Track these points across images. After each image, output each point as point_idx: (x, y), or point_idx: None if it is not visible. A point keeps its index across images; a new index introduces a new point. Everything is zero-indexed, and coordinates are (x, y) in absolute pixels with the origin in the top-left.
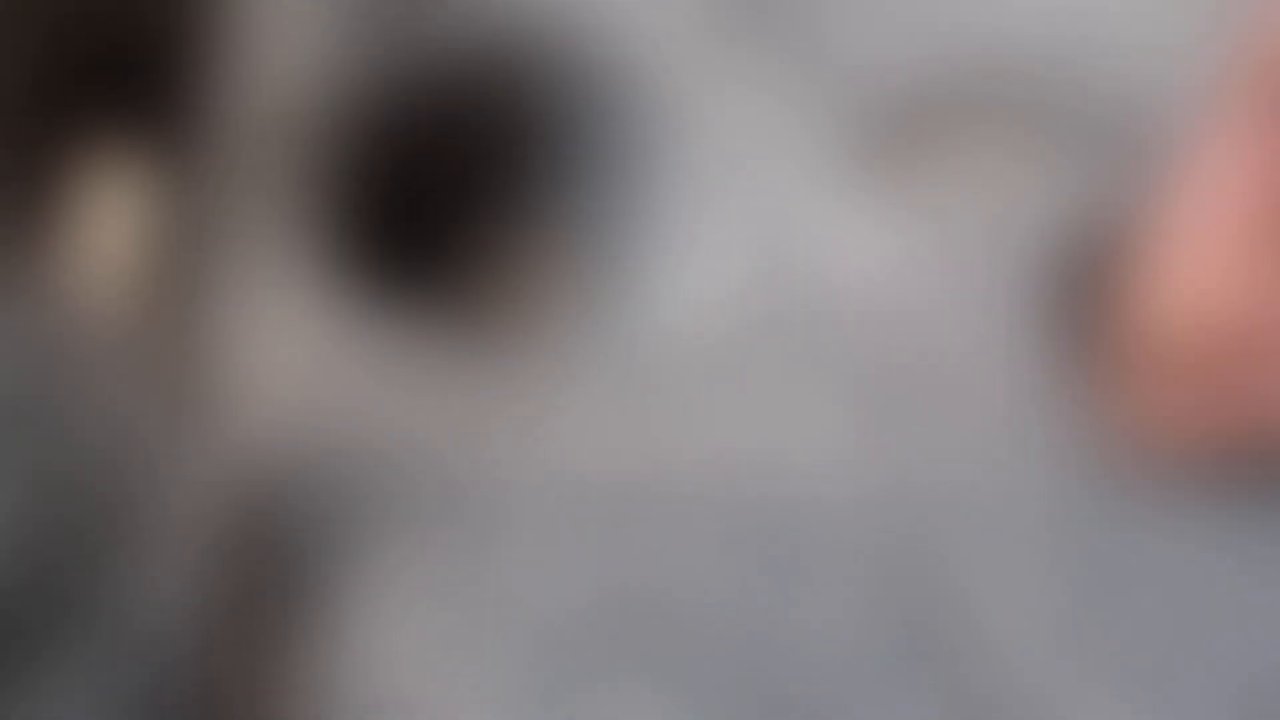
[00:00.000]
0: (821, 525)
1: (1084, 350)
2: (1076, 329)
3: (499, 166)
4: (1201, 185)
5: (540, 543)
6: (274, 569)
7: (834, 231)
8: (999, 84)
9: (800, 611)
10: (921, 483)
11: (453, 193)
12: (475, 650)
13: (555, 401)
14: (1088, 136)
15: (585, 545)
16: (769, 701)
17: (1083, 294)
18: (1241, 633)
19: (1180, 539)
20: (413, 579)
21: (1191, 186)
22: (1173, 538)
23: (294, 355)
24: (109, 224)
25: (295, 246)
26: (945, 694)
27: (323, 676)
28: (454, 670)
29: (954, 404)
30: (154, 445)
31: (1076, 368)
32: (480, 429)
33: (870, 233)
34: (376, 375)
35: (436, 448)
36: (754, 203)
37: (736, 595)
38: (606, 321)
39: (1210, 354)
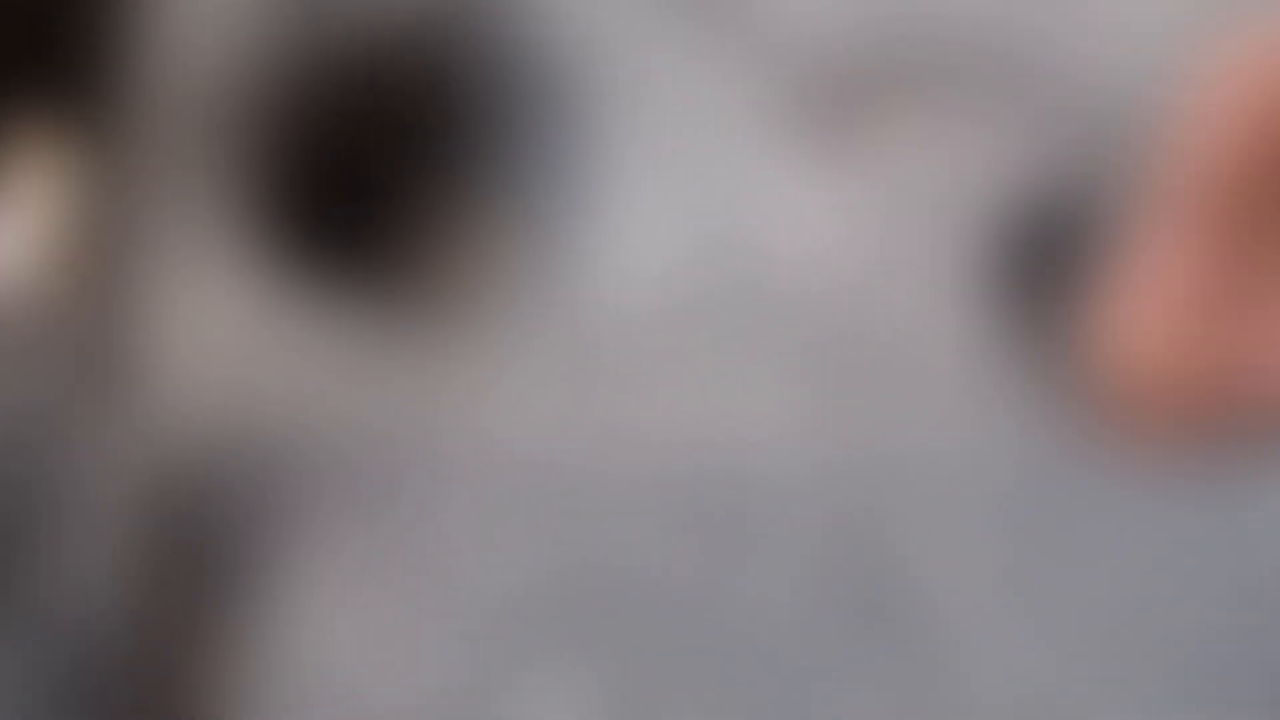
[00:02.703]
0: (768, 499)
1: (1030, 321)
2: (1021, 298)
3: (435, 140)
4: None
5: (481, 521)
6: (205, 549)
7: (776, 202)
8: (937, 53)
9: (747, 585)
10: (868, 454)
11: (388, 167)
12: (414, 630)
13: (495, 378)
14: (1026, 103)
15: (527, 523)
16: (717, 674)
17: (1027, 263)
18: (1183, 599)
19: (1124, 508)
20: (351, 558)
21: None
22: (1117, 507)
23: (226, 334)
24: (31, 205)
25: (226, 225)
26: (894, 664)
27: (255, 658)
28: (391, 650)
29: (899, 374)
30: (81, 425)
31: (1022, 337)
32: (419, 406)
33: (812, 203)
34: (312, 353)
35: (375, 426)
36: (695, 175)
37: (682, 570)
38: (547, 296)
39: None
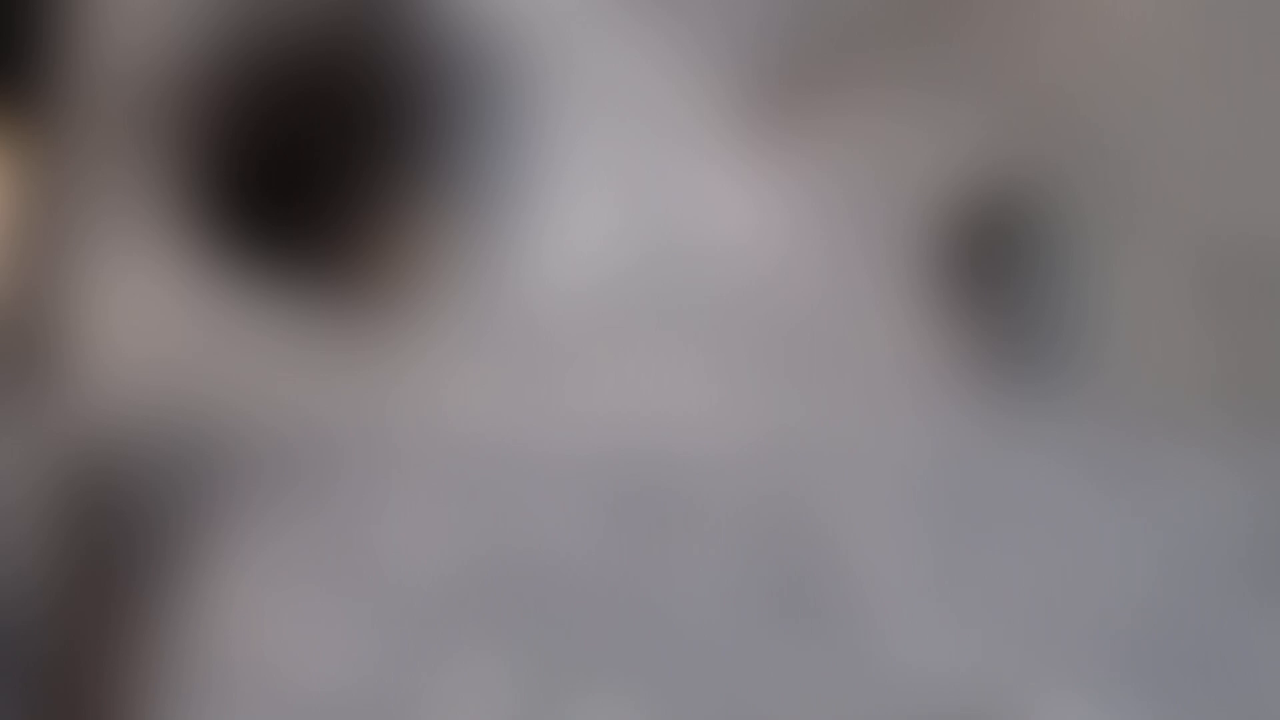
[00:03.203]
0: (697, 479)
1: (957, 303)
2: (950, 281)
3: (373, 126)
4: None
5: (411, 504)
6: (133, 536)
7: (712, 188)
8: (878, 44)
9: (675, 566)
10: (796, 435)
11: (326, 154)
12: (341, 615)
13: (430, 362)
14: (963, 95)
15: (457, 505)
16: (644, 657)
17: (957, 248)
18: (1108, 575)
19: (1048, 487)
20: (281, 544)
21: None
22: (1042, 486)
23: (161, 322)
24: None
25: (161, 213)
26: (821, 644)
27: (181, 645)
28: (321, 635)
29: (829, 360)
30: (9, 412)
31: (949, 318)
32: (354, 391)
33: (748, 188)
34: (248, 340)
35: (309, 411)
36: (633, 160)
37: (610, 552)
38: (482, 281)
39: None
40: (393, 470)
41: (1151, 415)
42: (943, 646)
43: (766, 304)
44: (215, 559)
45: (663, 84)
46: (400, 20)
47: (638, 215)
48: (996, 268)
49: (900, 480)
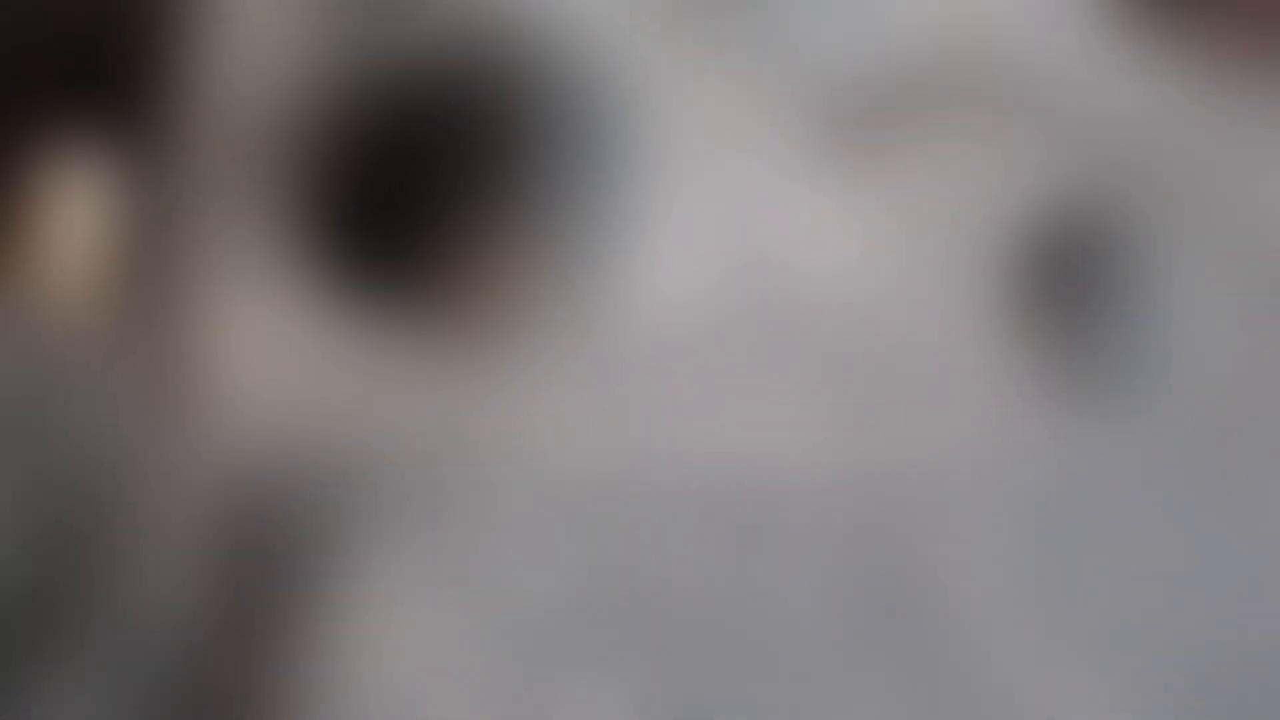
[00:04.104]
0: (795, 513)
1: (1050, 334)
2: (1041, 313)
3: (474, 164)
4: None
5: (522, 535)
6: (264, 567)
7: (803, 222)
8: (959, 75)
9: (775, 598)
10: (893, 469)
11: (428, 190)
12: (462, 641)
13: (533, 395)
14: (1045, 123)
15: (565, 537)
16: (745, 686)
17: (1047, 278)
18: (1212, 608)
19: (1148, 520)
20: (400, 573)
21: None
22: (1142, 520)
23: (277, 355)
24: (86, 228)
25: (275, 247)
26: (919, 675)
27: (316, 671)
28: (442, 661)
29: (923, 390)
30: (142, 447)
31: (1042, 350)
32: (462, 424)
33: (839, 223)
34: (358, 373)
35: (420, 443)
36: (724, 196)
37: (713, 584)
38: (582, 316)
39: None
40: (500, 501)
41: (1240, 438)
42: (1040, 680)
43: (858, 333)
44: (343, 587)
45: (749, 114)
46: (505, 57)
47: (733, 248)
48: (1078, 291)
49: (998, 510)
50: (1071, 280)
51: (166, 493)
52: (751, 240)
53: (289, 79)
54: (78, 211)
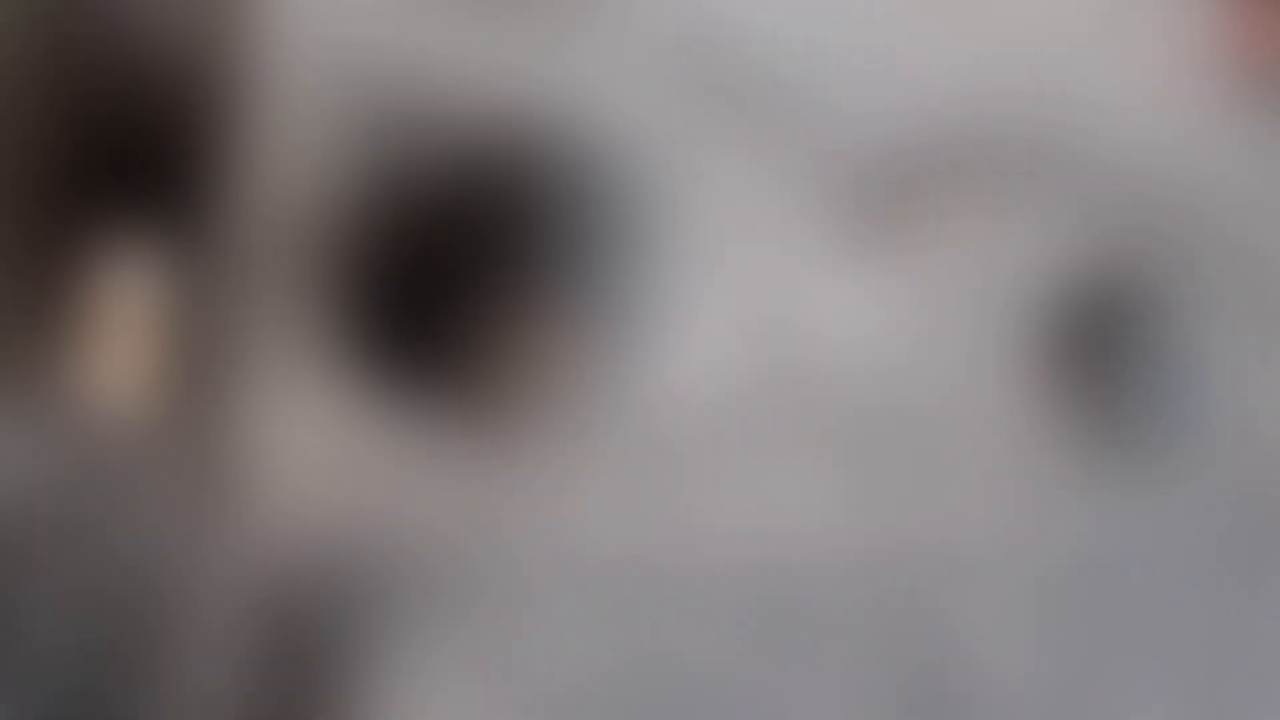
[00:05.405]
0: (823, 587)
1: (1074, 404)
2: (1065, 382)
3: (504, 254)
4: None
5: (555, 620)
6: (303, 663)
7: (827, 299)
8: (979, 151)
9: (806, 671)
10: (919, 540)
11: (461, 283)
12: None
13: (565, 481)
14: (1069, 194)
15: (598, 622)
16: None
17: (1071, 349)
18: (1237, 667)
19: (1177, 587)
20: (437, 665)
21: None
22: (1170, 586)
23: (314, 448)
24: (127, 324)
25: (313, 343)
26: None
27: None
28: None
29: (951, 464)
30: (180, 542)
31: (1066, 419)
32: (494, 511)
33: (862, 298)
34: (394, 464)
35: (454, 532)
36: (751, 278)
37: (745, 661)
38: (612, 401)
39: None
40: (532, 589)
41: (1268, 498)
42: None
43: (884, 410)
44: (381, 678)
45: (774, 195)
46: (527, 149)
47: (758, 326)
48: (1103, 357)
49: (1023, 581)
50: (1097, 351)
51: (205, 589)
52: (779, 321)
53: (326, 179)
54: (119, 307)
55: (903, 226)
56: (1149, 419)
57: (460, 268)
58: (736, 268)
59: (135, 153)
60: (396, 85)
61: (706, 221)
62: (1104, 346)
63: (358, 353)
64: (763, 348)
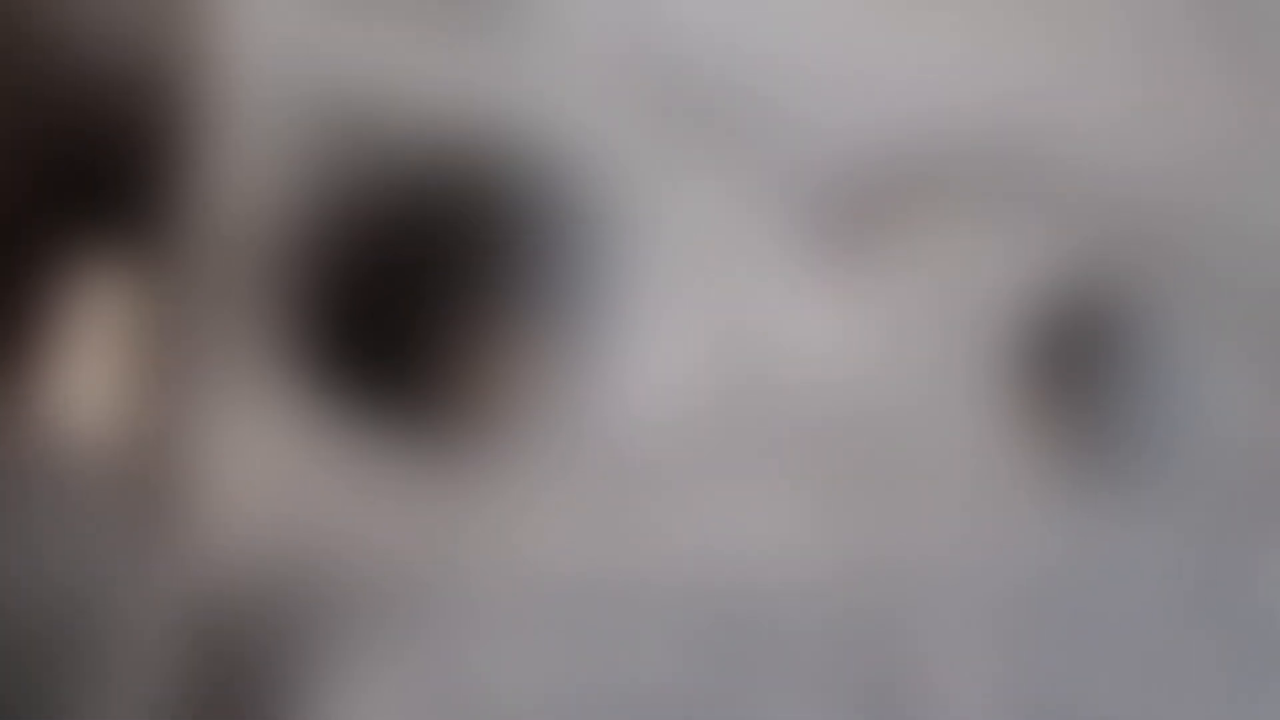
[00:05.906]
0: (785, 607)
1: (1045, 421)
2: (1037, 399)
3: (461, 271)
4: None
5: (511, 642)
6: (246, 682)
7: (792, 317)
8: (949, 166)
9: (766, 697)
10: (884, 560)
11: (419, 301)
12: None
13: (525, 501)
14: (1040, 207)
15: (552, 642)
16: None
17: (1043, 364)
18: (1209, 697)
19: (1141, 597)
20: (385, 686)
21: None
22: (1139, 607)
23: (267, 468)
24: (76, 340)
25: (265, 360)
26: None
27: None
28: None
29: (914, 481)
30: (124, 561)
31: (1038, 438)
32: (448, 532)
33: (828, 316)
34: (347, 483)
35: (407, 552)
36: (716, 295)
37: (702, 684)
38: (572, 419)
39: None
40: (486, 608)
41: (1250, 521)
42: None
43: (850, 428)
44: (327, 705)
45: (739, 211)
46: (488, 167)
47: (720, 344)
48: (1079, 375)
49: (988, 603)
50: (1067, 369)
51: (143, 608)
52: (743, 340)
53: (284, 196)
54: (69, 323)
55: (870, 243)
56: (1119, 439)
57: (419, 286)
58: (700, 286)
59: (89, 169)
60: (356, 101)
61: (669, 238)
62: (1075, 365)
63: (313, 371)
64: (726, 367)
